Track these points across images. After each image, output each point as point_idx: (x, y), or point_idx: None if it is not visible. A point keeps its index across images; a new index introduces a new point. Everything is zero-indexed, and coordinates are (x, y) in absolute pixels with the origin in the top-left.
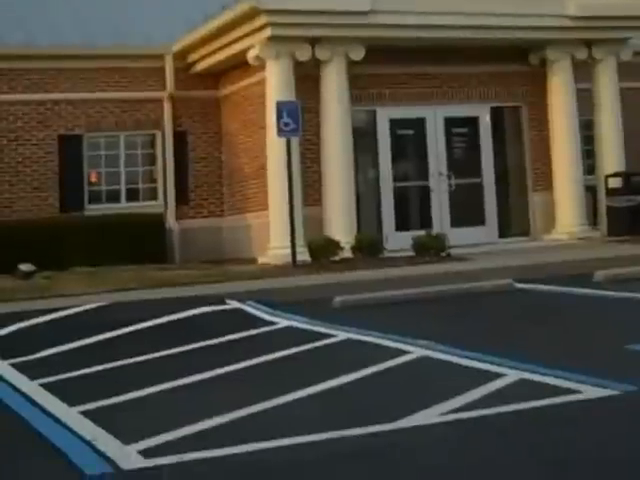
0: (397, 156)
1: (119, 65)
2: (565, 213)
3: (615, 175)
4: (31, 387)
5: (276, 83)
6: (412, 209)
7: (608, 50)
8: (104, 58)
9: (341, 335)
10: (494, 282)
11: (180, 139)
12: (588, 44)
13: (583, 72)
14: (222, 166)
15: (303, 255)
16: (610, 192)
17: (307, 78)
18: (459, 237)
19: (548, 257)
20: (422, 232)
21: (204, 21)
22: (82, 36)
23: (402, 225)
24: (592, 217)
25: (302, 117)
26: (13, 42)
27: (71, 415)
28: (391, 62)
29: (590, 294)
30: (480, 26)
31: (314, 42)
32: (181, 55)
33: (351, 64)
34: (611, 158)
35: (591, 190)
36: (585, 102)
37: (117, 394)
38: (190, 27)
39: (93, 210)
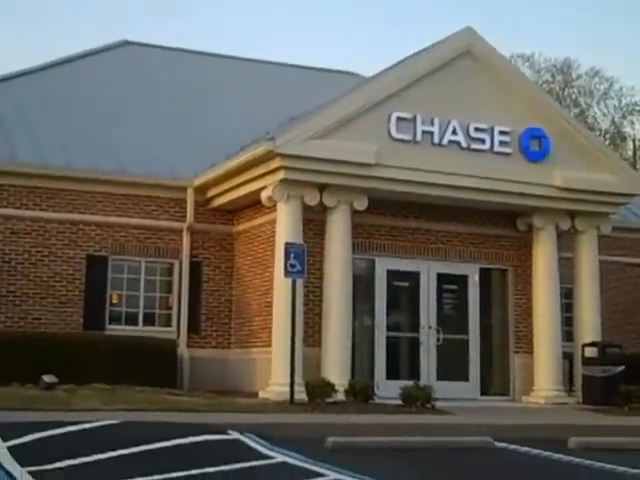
0: (392, 306)
1: (145, 193)
2: (543, 377)
3: (592, 345)
4: None
5: (285, 224)
6: (402, 359)
7: (589, 223)
8: (133, 186)
9: (332, 475)
10: (475, 438)
11: (196, 270)
12: (572, 215)
13: (566, 241)
14: (232, 300)
15: (301, 394)
16: (586, 361)
17: (314, 222)
18: (444, 390)
19: (526, 419)
20: (410, 382)
21: (224, 159)
22: (115, 164)
23: (392, 374)
24: (569, 383)
25: (307, 259)
26: (54, 163)
27: None
28: (392, 214)
29: (564, 460)
30: (475, 188)
31: (322, 188)
32: (201, 189)
33: (355, 212)
34: (588, 327)
35: (569, 357)
36: (567, 270)
37: None
38: (212, 162)
39: (113, 330)
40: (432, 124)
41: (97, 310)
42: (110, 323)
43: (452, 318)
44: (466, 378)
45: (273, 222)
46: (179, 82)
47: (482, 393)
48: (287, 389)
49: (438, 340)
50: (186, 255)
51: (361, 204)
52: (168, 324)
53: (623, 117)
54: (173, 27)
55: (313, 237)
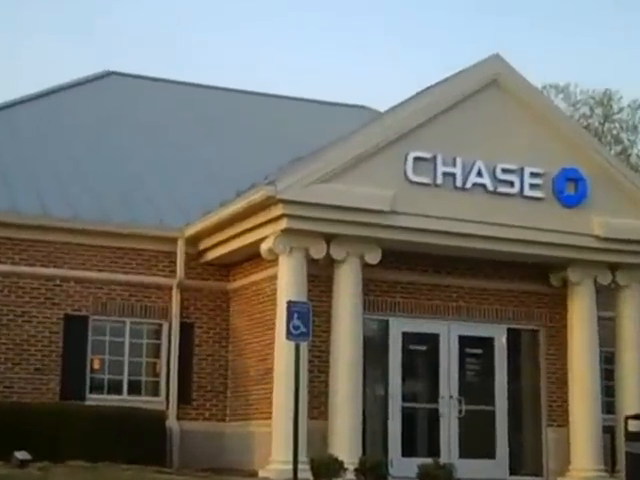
0: (408, 373)
1: (130, 245)
2: (581, 454)
3: (636, 417)
4: None
5: (288, 280)
6: (420, 433)
7: (633, 276)
8: (116, 237)
9: None
10: None
11: (187, 332)
12: (612, 268)
13: (607, 298)
14: (228, 366)
15: (305, 472)
16: (630, 436)
17: (320, 277)
18: (467, 469)
19: None
20: (429, 460)
21: (218, 207)
22: (97, 211)
23: (409, 450)
24: (610, 462)
25: (313, 320)
26: (28, 210)
27: None
28: (408, 269)
29: None
30: (503, 238)
31: (330, 239)
32: (193, 241)
33: (366, 266)
34: (632, 397)
35: (610, 431)
36: (608, 331)
37: None
38: (205, 209)
39: (94, 400)
40: (454, 165)
41: (76, 377)
42: (91, 392)
43: (476, 386)
44: (492, 455)
45: (274, 278)
46: (170, 118)
47: (511, 473)
48: (290, 467)
49: (460, 412)
50: (176, 315)
51: (373, 257)
52: (156, 393)
53: None
54: (164, 56)
55: (319, 295)
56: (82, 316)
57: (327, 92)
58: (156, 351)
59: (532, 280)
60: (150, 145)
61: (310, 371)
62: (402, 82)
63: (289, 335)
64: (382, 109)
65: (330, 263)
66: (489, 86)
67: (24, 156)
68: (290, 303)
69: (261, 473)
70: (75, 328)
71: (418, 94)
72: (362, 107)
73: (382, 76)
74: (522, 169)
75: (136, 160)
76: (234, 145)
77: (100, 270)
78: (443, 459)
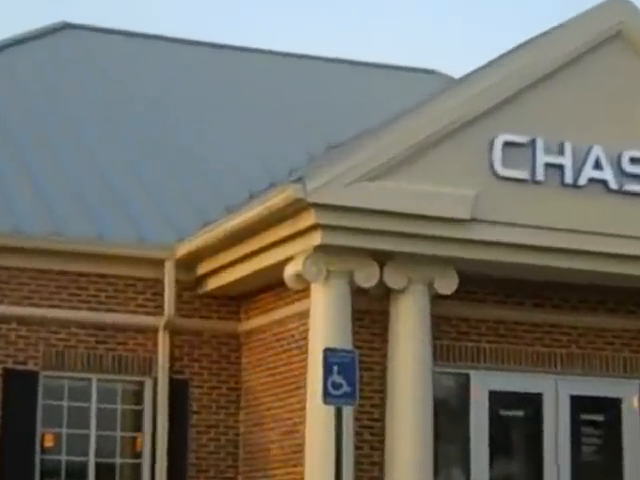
0: (498, 449)
1: (97, 270)
2: None
3: None
4: None
5: (324, 319)
6: None
7: None
8: (76, 258)
9: None
10: None
11: (179, 393)
12: None
13: None
14: (239, 442)
15: None
16: None
17: (371, 314)
18: None
19: None
20: None
21: (223, 215)
22: (47, 221)
23: None
24: None
25: (360, 375)
26: None
27: None
28: (497, 302)
29: None
30: (630, 256)
31: (384, 259)
32: (188, 264)
33: (437, 298)
34: None
35: None
36: None
37: None
38: (204, 219)
39: None
40: (561, 153)
41: (20, 460)
42: (42, 479)
43: (596, 468)
44: None
45: (304, 315)
46: (148, 85)
47: None
48: None
49: None
50: (163, 369)
51: (447, 284)
52: None
53: None
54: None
55: (370, 339)
56: (29, 372)
57: (378, 52)
58: (136, 421)
59: None
60: (120, 125)
61: (358, 448)
62: (483, 42)
63: (327, 397)
64: (458, 75)
65: (385, 294)
66: (610, 40)
67: None
68: (328, 352)
69: None
70: (19, 389)
71: (508, 54)
72: (431, 72)
73: (456, 34)
74: None
75: (102, 149)
76: (242, 125)
77: (55, 306)
78: None
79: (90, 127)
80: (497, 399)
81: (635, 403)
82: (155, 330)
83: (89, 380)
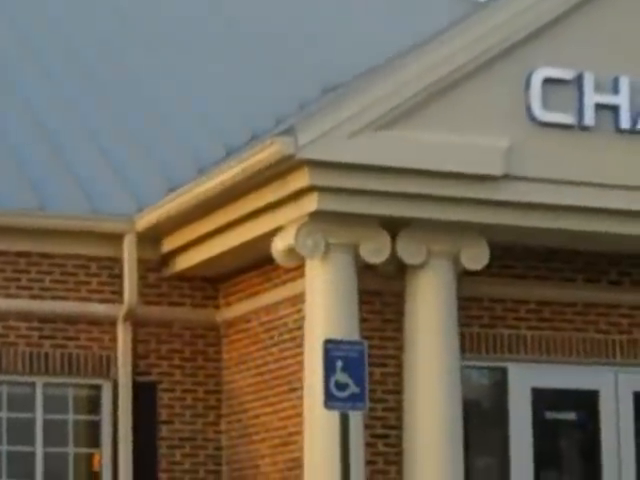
0: (544, 460)
1: (40, 249)
2: None
3: None
4: None
5: (324, 304)
6: None
7: None
8: (13, 234)
9: None
10: None
11: (145, 398)
12: None
13: None
14: (221, 456)
15: None
16: None
17: (382, 296)
18: None
19: None
20: None
21: (194, 177)
22: None
23: None
24: None
25: (370, 372)
26: None
27: None
28: (539, 277)
29: None
30: None
31: (396, 228)
32: (151, 238)
33: (465, 275)
34: None
35: None
36: None
37: None
38: (171, 183)
39: None
40: (616, 91)
41: None
42: None
43: None
44: None
45: (299, 299)
46: (95, 18)
47: None
48: None
49: None
50: (125, 369)
51: (476, 257)
52: None
53: None
54: None
55: (381, 327)
56: None
57: None
58: (92, 435)
59: None
60: (57, 61)
61: (370, 463)
62: None
63: (329, 400)
64: None
65: (399, 271)
66: None
67: None
68: (329, 344)
69: None
70: None
71: None
72: None
73: None
74: None
75: (35, 90)
76: (214, 65)
77: None
78: None
79: (20, 63)
80: (542, 398)
81: None
82: (113, 321)
83: (32, 385)
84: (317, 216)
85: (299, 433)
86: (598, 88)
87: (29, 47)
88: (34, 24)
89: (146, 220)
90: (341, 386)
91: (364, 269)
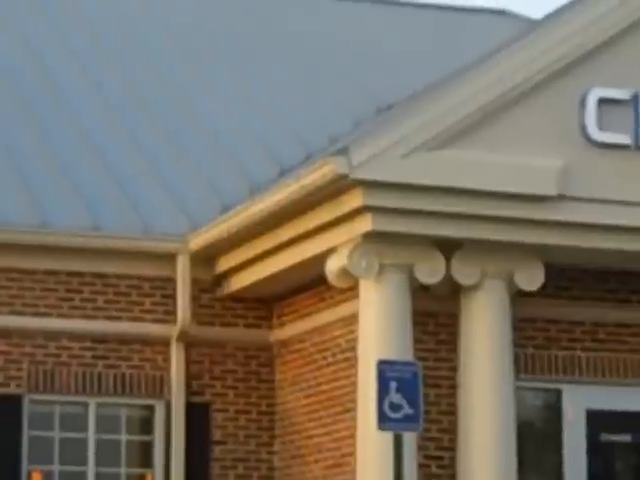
0: None
1: (93, 269)
2: None
3: None
4: None
5: (378, 324)
6: None
7: None
8: (65, 254)
9: None
10: None
11: (198, 419)
12: None
13: None
14: (274, 477)
15: None
16: None
17: (436, 317)
18: None
19: None
20: None
21: (247, 198)
22: (28, 209)
23: None
24: None
25: (424, 393)
26: None
27: None
28: (595, 298)
29: None
30: None
31: (451, 249)
32: (204, 259)
33: (519, 296)
34: None
35: None
36: None
37: None
38: (222, 205)
39: None
40: None
41: None
42: None
43: None
44: None
45: (352, 320)
46: (148, 35)
47: None
48: None
49: None
50: (178, 390)
51: (531, 278)
52: None
53: None
54: None
55: (435, 348)
56: (10, 396)
57: None
58: (145, 455)
59: None
60: (114, 85)
61: None
62: None
63: (383, 421)
64: (535, 15)
65: (453, 292)
66: None
67: None
68: (383, 365)
69: None
70: None
71: None
72: (501, 12)
73: None
74: None
75: (91, 115)
76: (268, 84)
77: (41, 314)
78: None
79: (75, 87)
80: (597, 420)
81: None
82: (166, 342)
83: (85, 405)
84: (371, 236)
85: (352, 454)
86: None
87: (80, 64)
88: (85, 40)
89: (200, 240)
90: (395, 407)
91: (418, 290)
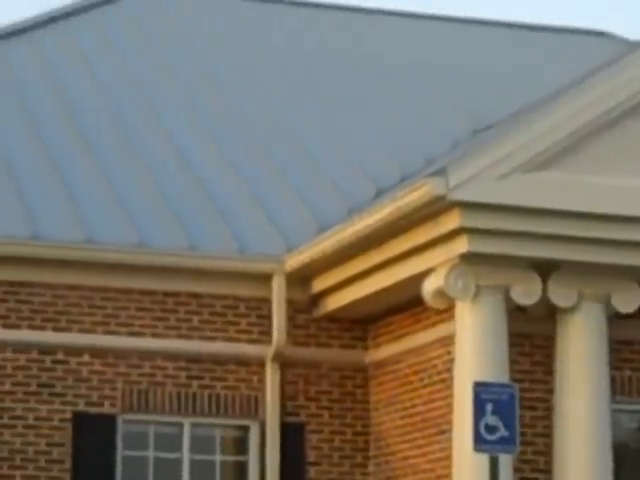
0: None
1: (187, 289)
2: None
3: None
4: None
5: (474, 346)
6: None
7: None
8: (160, 274)
9: None
10: None
11: (293, 439)
12: None
13: None
14: None
15: None
16: None
17: (532, 339)
18: None
19: None
20: None
21: (344, 219)
22: (124, 230)
23: None
24: None
25: (520, 415)
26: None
27: None
28: None
29: None
30: None
31: (547, 271)
32: (300, 279)
33: (615, 318)
34: None
35: None
36: None
37: None
38: (319, 226)
39: None
40: None
41: None
42: None
43: None
44: None
45: (449, 341)
46: (241, 56)
47: None
48: None
49: None
50: (273, 410)
51: (628, 300)
52: None
53: None
54: None
55: (531, 370)
56: (105, 415)
57: (537, 12)
58: (239, 476)
59: None
60: (207, 106)
61: None
62: None
63: (479, 443)
64: (634, 36)
65: (549, 313)
66: None
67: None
68: (479, 386)
69: None
70: (92, 437)
71: None
72: (600, 34)
73: None
74: None
75: (185, 134)
76: (363, 105)
77: (134, 334)
78: None
79: (170, 108)
80: None
81: None
82: (261, 362)
83: (180, 425)
84: (468, 258)
85: (448, 476)
86: None
87: (175, 80)
88: (181, 56)
89: (296, 260)
90: (491, 429)
91: (514, 311)
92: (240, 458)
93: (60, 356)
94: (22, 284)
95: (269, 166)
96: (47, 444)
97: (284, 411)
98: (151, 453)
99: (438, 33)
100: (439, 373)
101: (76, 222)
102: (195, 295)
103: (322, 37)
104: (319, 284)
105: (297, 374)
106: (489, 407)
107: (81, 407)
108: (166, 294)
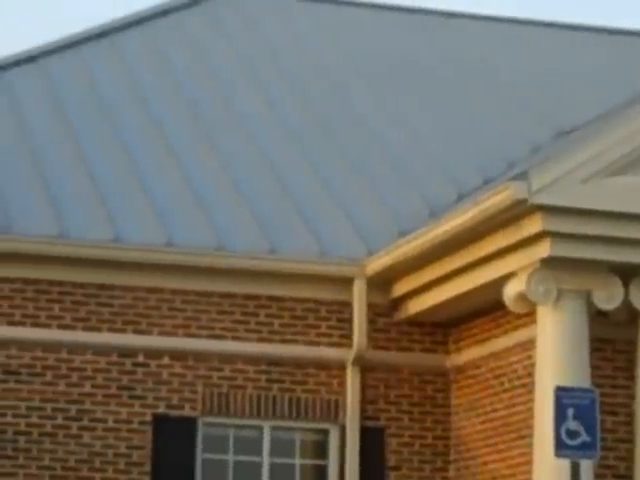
0: None
1: (267, 292)
2: None
3: None
4: None
5: (555, 350)
6: None
7: None
8: (239, 277)
9: None
10: None
11: (373, 443)
12: None
13: None
14: None
15: None
16: None
17: (614, 344)
18: None
19: None
20: None
21: (425, 223)
22: (204, 235)
23: None
24: None
25: (602, 420)
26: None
27: None
28: None
29: None
30: None
31: (629, 275)
32: (381, 283)
33: None
34: None
35: None
36: None
37: None
38: (399, 230)
39: None
40: None
41: None
42: None
43: None
44: None
45: (530, 345)
46: (324, 60)
47: None
48: None
49: None
50: (353, 414)
51: None
52: None
53: None
54: None
55: (612, 375)
56: (185, 418)
57: (617, 14)
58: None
59: None
60: (288, 108)
61: None
62: None
63: (560, 448)
64: None
65: (631, 318)
66: None
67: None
68: (561, 391)
69: None
70: (172, 439)
71: None
72: None
73: None
74: None
75: (267, 136)
76: (444, 109)
77: (214, 337)
78: None
79: (250, 107)
80: None
81: None
82: (342, 366)
83: (260, 428)
84: (549, 262)
85: None
86: None
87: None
88: (260, 57)
89: (377, 264)
90: (572, 434)
91: (596, 316)
92: (320, 462)
93: (140, 359)
94: (102, 287)
95: (351, 169)
96: (127, 447)
97: (364, 415)
98: (231, 456)
99: (518, 36)
100: (520, 378)
101: (156, 225)
102: (276, 298)
103: (400, 40)
104: (400, 288)
105: (377, 378)
106: (570, 412)
107: (161, 410)
108: (246, 297)
